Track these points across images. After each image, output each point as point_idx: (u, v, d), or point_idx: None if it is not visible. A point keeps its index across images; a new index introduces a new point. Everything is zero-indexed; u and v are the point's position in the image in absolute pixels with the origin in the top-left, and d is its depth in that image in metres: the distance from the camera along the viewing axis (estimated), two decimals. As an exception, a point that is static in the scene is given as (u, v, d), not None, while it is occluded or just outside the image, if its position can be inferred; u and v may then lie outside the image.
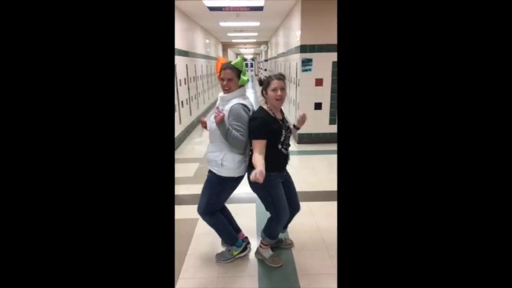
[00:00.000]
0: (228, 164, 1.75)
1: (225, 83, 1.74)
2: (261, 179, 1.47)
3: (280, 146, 1.74)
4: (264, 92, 1.75)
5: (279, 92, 1.68)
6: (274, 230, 1.92)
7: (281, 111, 1.84)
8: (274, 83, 1.68)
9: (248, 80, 1.84)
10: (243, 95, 1.81)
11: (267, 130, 1.68)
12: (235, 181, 1.83)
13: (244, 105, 1.73)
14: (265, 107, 1.75)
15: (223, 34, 9.45)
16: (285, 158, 1.81)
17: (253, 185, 1.80)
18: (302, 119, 1.90)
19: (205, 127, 1.88)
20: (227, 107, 1.72)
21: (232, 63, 1.74)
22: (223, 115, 1.62)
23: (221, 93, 1.82)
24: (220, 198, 1.89)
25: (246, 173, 1.83)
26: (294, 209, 1.97)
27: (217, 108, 1.65)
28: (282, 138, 1.73)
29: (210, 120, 1.79)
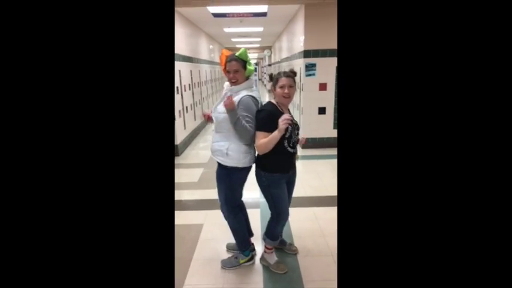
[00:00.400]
0: (233, 153, 1.75)
1: (231, 75, 1.75)
2: (287, 118, 1.56)
3: (286, 144, 1.72)
4: (273, 88, 1.76)
5: (286, 90, 1.69)
6: (274, 230, 1.92)
7: (288, 110, 1.85)
8: (283, 81, 1.69)
9: (254, 69, 1.85)
10: (251, 87, 1.81)
11: (273, 123, 1.66)
12: (240, 172, 1.81)
13: (253, 97, 1.75)
14: (273, 101, 1.77)
15: (227, 39, 9.52)
16: (290, 157, 1.79)
17: (260, 182, 1.83)
18: (301, 142, 1.91)
19: (208, 119, 1.89)
20: (236, 98, 1.72)
21: (236, 54, 1.75)
22: (234, 101, 1.63)
23: (227, 83, 1.82)
24: (234, 191, 1.88)
25: (254, 169, 1.84)
26: None
27: (229, 95, 1.65)
28: (288, 134, 1.72)
29: (217, 110, 1.79)
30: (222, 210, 1.93)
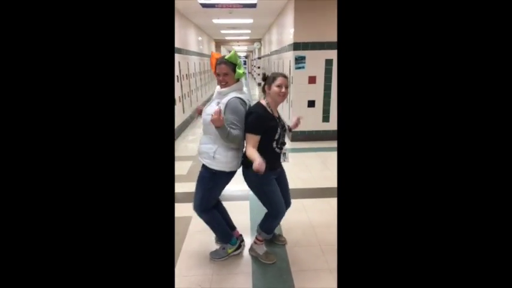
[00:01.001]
0: (220, 157, 1.74)
1: (221, 78, 1.74)
2: (262, 168, 1.50)
3: (274, 145, 1.75)
4: (267, 87, 1.76)
5: (283, 89, 1.71)
6: (271, 225, 1.94)
7: (277, 110, 1.86)
8: (280, 79, 1.72)
9: (244, 73, 1.84)
10: (240, 89, 1.81)
11: (263, 126, 1.69)
12: (226, 176, 1.81)
13: (241, 99, 1.74)
14: (263, 102, 1.77)
15: (216, 31, 9.39)
16: (278, 157, 1.82)
17: (249, 182, 1.82)
18: (296, 123, 1.96)
19: (199, 113, 1.88)
20: (224, 101, 1.71)
21: (226, 57, 1.74)
22: (222, 118, 1.57)
23: (218, 88, 1.81)
24: (213, 194, 1.88)
25: (241, 169, 1.83)
26: (285, 204, 1.99)
27: (217, 109, 1.57)
28: (277, 136, 1.75)
29: (206, 112, 1.78)
30: (194, 209, 1.91)
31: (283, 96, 1.73)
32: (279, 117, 1.84)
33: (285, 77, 1.75)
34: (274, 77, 1.75)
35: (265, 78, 1.83)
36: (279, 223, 1.98)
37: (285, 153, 1.87)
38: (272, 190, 1.81)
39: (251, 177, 1.78)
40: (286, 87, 1.74)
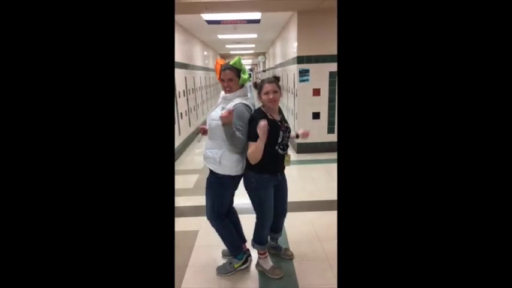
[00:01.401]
0: (225, 162, 1.76)
1: (225, 83, 1.78)
2: (264, 125, 1.64)
3: (277, 147, 1.77)
4: (259, 96, 1.81)
5: (271, 96, 1.73)
6: (260, 234, 1.94)
7: (280, 111, 1.88)
8: (266, 87, 1.75)
9: (249, 78, 1.88)
10: (245, 95, 1.84)
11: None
12: (232, 180, 1.82)
13: (247, 105, 1.77)
14: (263, 109, 1.79)
15: (221, 46, 9.58)
16: (281, 159, 1.83)
17: (247, 183, 1.85)
18: (304, 135, 2.03)
19: (204, 133, 1.92)
20: (229, 106, 1.74)
21: (230, 63, 1.78)
22: (232, 114, 1.64)
23: (223, 93, 1.85)
24: (223, 199, 1.88)
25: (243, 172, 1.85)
26: (281, 213, 2.00)
27: (231, 109, 1.65)
28: (280, 140, 1.77)
29: (210, 117, 1.81)
30: (207, 217, 1.92)
31: (273, 102, 1.75)
32: (282, 120, 1.84)
33: (271, 82, 1.76)
34: (261, 85, 1.78)
35: (256, 86, 1.86)
36: (267, 232, 1.98)
37: (286, 157, 1.87)
38: (266, 198, 1.83)
39: (250, 179, 1.81)
40: (275, 92, 1.74)
